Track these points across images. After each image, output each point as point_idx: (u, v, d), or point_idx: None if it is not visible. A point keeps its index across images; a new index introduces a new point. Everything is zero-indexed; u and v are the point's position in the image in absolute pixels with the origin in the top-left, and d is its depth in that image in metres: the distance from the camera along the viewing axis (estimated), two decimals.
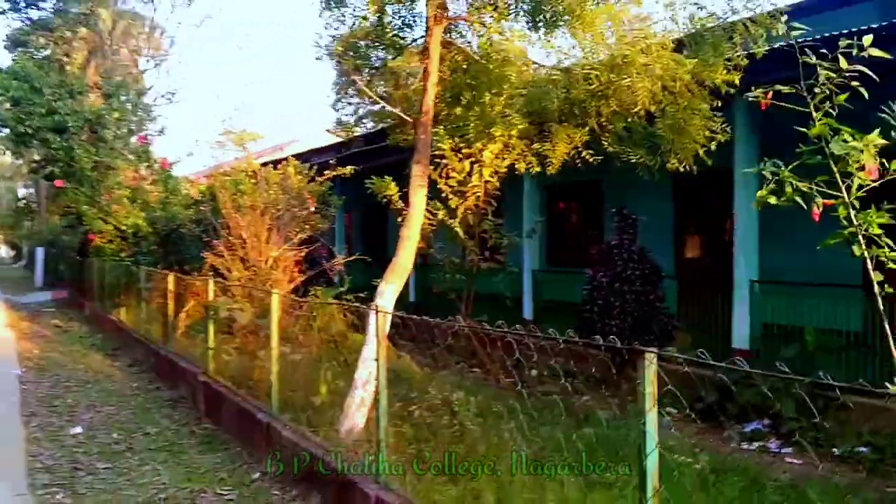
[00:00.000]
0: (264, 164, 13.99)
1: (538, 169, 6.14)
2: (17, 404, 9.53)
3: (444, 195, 9.64)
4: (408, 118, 7.19)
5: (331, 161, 14.23)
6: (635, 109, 4.78)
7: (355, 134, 21.78)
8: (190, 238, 13.52)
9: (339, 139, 29.15)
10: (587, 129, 5.63)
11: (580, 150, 5.92)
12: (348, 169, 14.58)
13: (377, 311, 5.07)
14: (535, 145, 5.93)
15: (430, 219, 9.69)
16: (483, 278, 10.11)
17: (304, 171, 13.11)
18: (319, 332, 7.72)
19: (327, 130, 37.91)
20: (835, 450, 7.19)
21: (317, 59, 7.70)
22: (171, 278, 11.21)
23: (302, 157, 14.03)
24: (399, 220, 10.22)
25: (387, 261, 9.39)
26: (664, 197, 13.22)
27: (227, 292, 9.15)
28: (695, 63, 4.69)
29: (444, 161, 9.35)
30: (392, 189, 9.84)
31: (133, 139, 20.58)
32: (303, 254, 9.53)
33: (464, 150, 9.47)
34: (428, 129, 6.61)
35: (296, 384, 7.41)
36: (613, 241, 7.75)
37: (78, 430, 8.22)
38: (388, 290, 6.55)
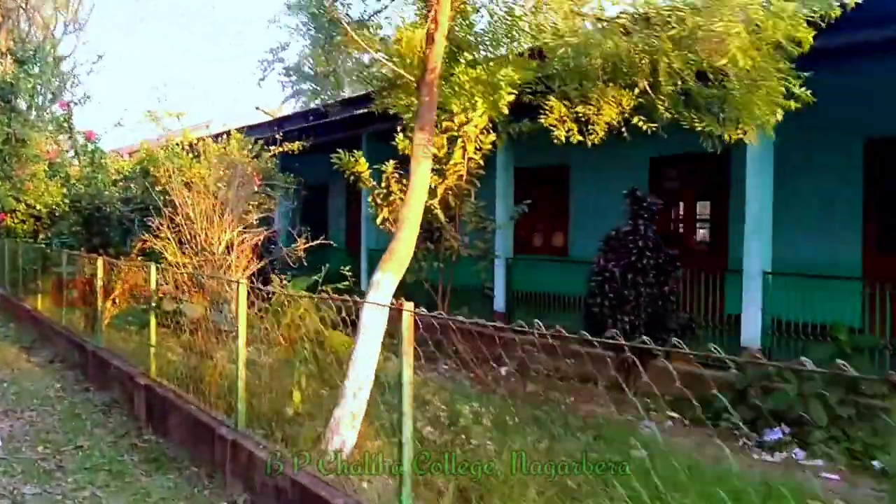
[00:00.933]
0: (199, 139, 12.69)
1: (579, 138, 5.16)
2: None
3: None
4: (409, 76, 6.09)
5: (278, 136, 12.98)
6: (720, 63, 3.86)
7: (287, 113, 20.44)
8: (117, 218, 12.09)
9: (270, 117, 27.78)
10: (638, 90, 4.68)
11: (627, 115, 4.96)
12: (296, 144, 13.42)
13: (401, 309, 3.99)
14: (579, 108, 4.94)
15: (402, 199, 8.68)
16: (461, 267, 9.11)
17: (247, 146, 11.95)
18: (289, 328, 6.59)
19: (257, 108, 36.38)
20: (875, 462, 6.47)
21: (288, 7, 6.44)
22: (100, 263, 9.84)
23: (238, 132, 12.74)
24: (371, 199, 9.20)
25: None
26: (639, 180, 12.47)
27: (173, 281, 7.90)
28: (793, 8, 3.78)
29: None
30: (363, 165, 8.75)
31: (55, 106, 18.75)
32: (260, 237, 8.32)
33: (444, 124, 8.46)
34: (433, 89, 5.56)
35: (263, 391, 6.28)
36: (626, 226, 6.85)
37: None
38: (386, 281, 5.49)
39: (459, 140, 8.12)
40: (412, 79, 6.07)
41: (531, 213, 12.24)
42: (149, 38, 78.33)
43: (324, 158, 13.14)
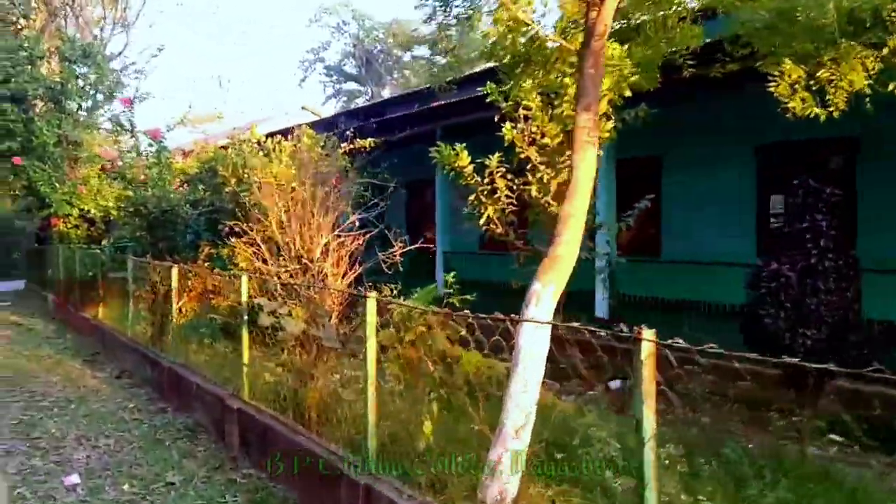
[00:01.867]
0: (268, 136, 11.86)
1: (815, 111, 4.17)
2: None
3: (528, 166, 7.67)
4: (568, 45, 5.12)
5: (349, 132, 12.11)
6: None
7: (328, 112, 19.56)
8: (183, 222, 11.28)
9: (315, 116, 26.99)
10: (887, 49, 3.69)
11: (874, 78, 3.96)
12: (367, 141, 12.55)
13: (639, 339, 3.01)
14: (822, 73, 3.95)
15: (510, 197, 7.74)
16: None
17: (319, 143, 11.12)
18: (411, 347, 5.67)
19: (303, 107, 35.67)
20: None
21: None
22: (175, 271, 9.01)
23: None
24: (475, 197, 8.24)
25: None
26: (742, 172, 11.44)
27: (261, 290, 7.03)
28: None
29: (527, 122, 7.42)
30: (464, 159, 7.81)
31: (113, 104, 18.10)
32: (359, 242, 7.39)
33: (556, 111, 7.50)
34: (600, 59, 4.59)
35: (389, 422, 5.37)
36: (803, 223, 5.81)
37: (74, 479, 6.07)
38: (547, 294, 4.54)
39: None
40: (572, 47, 5.10)
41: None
42: (157, 37, 78.66)
43: (386, 157, 12.25)
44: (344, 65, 53.49)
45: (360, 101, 51.38)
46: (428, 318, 5.42)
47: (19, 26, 20.49)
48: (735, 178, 11.42)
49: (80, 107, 18.91)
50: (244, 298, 6.91)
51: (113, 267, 12.70)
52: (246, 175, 10.85)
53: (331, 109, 48.93)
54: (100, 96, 19.11)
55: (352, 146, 11.91)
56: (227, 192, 10.88)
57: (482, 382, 5.15)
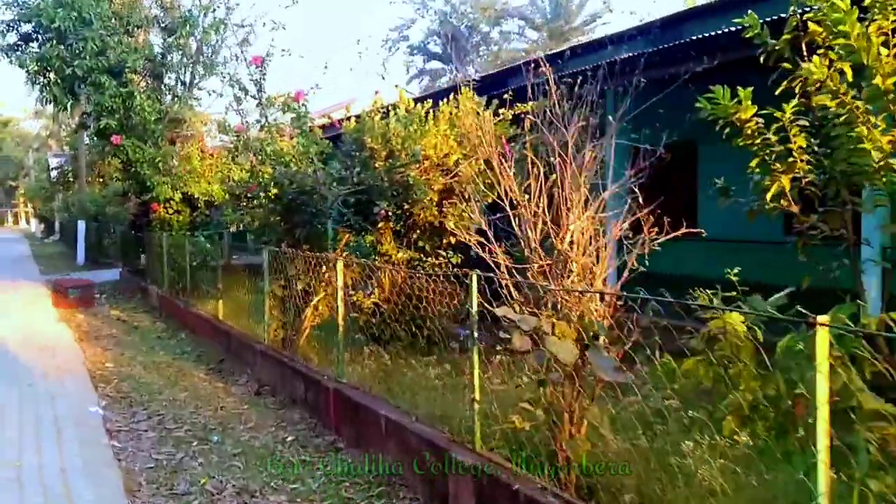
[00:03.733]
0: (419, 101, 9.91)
1: None
2: (119, 487, 5.52)
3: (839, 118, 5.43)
4: None
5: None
6: None
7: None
8: (324, 204, 9.38)
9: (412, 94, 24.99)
10: None
11: None
12: (528, 105, 10.41)
13: None
14: None
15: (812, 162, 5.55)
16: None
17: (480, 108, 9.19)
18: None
19: (396, 86, 33.81)
20: None
21: None
22: (340, 266, 7.10)
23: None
24: (758, 163, 6.04)
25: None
26: None
27: (499, 298, 4.99)
28: None
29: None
30: (748, 109, 5.61)
31: (239, 67, 16.39)
32: (623, 227, 5.28)
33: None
34: None
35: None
36: None
37: None
38: None
39: None
40: None
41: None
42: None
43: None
44: (427, 43, 51.47)
45: (444, 81, 49.32)
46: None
47: None
48: None
49: (178, 80, 17.32)
50: (474, 306, 4.88)
51: (234, 259, 10.92)
52: (402, 145, 8.91)
53: (415, 90, 46.90)
54: (200, 68, 17.47)
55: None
56: (378, 168, 8.96)
57: None
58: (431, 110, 9.37)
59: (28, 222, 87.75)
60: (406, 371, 6.96)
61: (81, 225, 28.15)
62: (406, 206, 8.88)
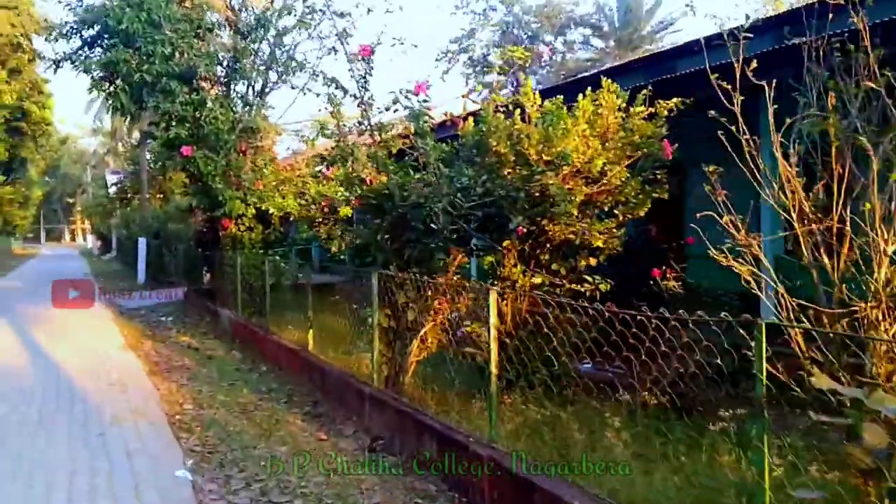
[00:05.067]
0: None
1: None
2: None
3: None
4: None
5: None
6: None
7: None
8: (438, 219, 7.90)
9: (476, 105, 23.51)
10: None
11: None
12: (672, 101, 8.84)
13: None
14: None
15: None
16: None
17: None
18: None
19: (463, 96, 32.43)
20: None
21: None
22: (493, 298, 5.59)
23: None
24: None
25: None
26: None
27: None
28: None
29: None
30: None
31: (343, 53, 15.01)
32: None
33: None
34: None
35: None
36: None
37: None
38: None
39: None
40: None
41: None
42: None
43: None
44: (487, 55, 49.99)
45: (505, 93, 47.68)
46: None
47: None
48: None
49: (251, 87, 16.07)
50: (762, 372, 3.31)
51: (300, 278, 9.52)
52: (538, 149, 7.40)
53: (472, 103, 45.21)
54: (273, 74, 16.23)
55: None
56: (509, 176, 7.49)
57: None
58: (563, 107, 7.86)
59: (84, 239, 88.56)
60: (576, 431, 5.41)
61: (143, 242, 27.20)
62: (542, 222, 7.39)
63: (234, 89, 16.01)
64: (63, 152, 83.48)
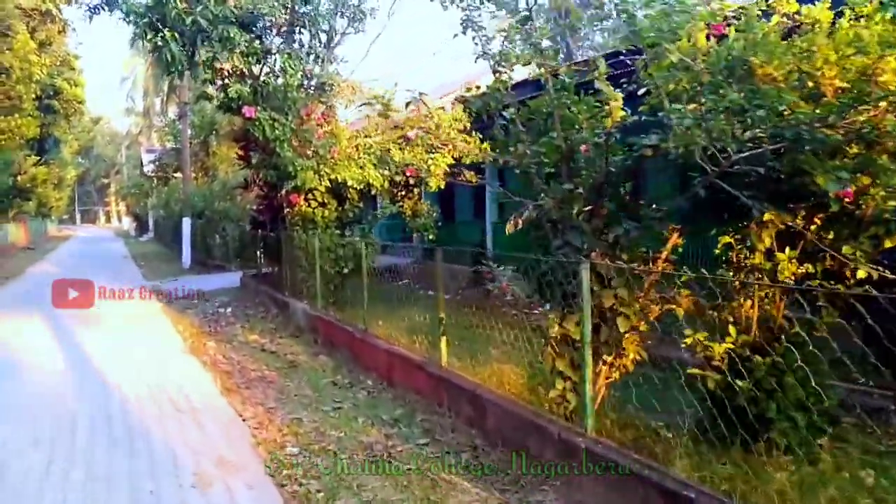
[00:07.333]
0: None
1: None
2: None
3: None
4: None
5: None
6: None
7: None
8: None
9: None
10: None
11: None
12: None
13: None
14: None
15: None
16: None
17: None
18: None
19: (477, 87, 29.75)
20: None
21: None
22: None
23: None
24: None
25: None
26: None
27: None
28: None
29: None
30: None
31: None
32: None
33: None
34: None
35: None
36: None
37: None
38: None
39: None
40: None
41: None
42: None
43: None
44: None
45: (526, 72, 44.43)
46: None
47: None
48: None
49: (316, 37, 13.52)
50: None
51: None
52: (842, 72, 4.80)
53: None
54: (342, 21, 13.68)
55: None
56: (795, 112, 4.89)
57: None
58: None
59: (120, 220, 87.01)
60: None
61: (187, 223, 24.86)
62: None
63: (300, 39, 13.48)
64: (96, 132, 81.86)
